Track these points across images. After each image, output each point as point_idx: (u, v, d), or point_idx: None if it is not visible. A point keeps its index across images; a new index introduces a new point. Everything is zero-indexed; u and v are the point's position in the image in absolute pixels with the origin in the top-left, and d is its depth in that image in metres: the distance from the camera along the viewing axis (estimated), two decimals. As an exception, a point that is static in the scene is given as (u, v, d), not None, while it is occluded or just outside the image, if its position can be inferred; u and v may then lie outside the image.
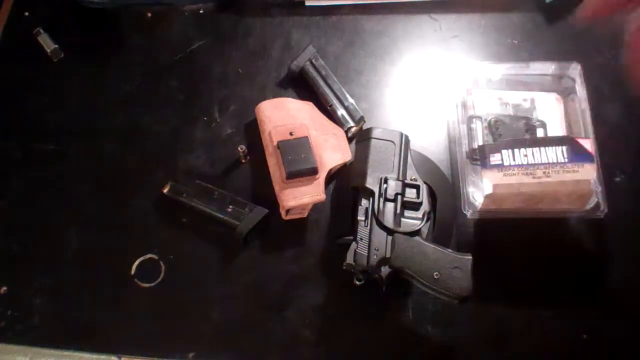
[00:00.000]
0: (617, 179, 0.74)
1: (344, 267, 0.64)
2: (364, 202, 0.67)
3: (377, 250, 0.64)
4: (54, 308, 0.69)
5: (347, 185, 0.71)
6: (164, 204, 0.74)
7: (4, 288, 0.70)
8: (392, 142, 0.70)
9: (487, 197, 0.68)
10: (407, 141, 0.71)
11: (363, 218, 0.66)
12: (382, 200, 0.66)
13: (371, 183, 0.67)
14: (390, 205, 0.66)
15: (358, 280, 0.65)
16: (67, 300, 0.69)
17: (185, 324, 0.68)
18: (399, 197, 0.66)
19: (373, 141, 0.70)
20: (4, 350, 0.67)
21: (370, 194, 0.67)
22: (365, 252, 0.64)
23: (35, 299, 0.69)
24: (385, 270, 0.64)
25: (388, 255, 0.64)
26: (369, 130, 0.71)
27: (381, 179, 0.67)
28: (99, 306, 0.69)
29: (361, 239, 0.65)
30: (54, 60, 0.83)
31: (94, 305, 0.69)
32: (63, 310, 0.69)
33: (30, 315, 0.69)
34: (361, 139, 0.72)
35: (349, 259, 0.64)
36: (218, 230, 0.72)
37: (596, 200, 0.69)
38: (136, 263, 0.71)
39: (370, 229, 0.65)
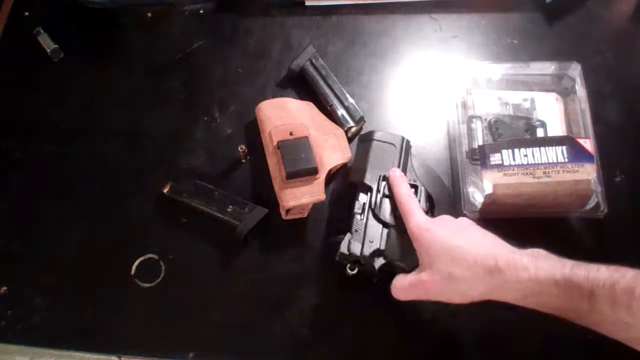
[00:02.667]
0: (617, 179, 0.74)
1: (337, 258, 0.64)
2: (362, 196, 0.67)
3: (372, 242, 0.64)
4: (54, 308, 0.69)
5: (346, 183, 0.71)
6: (164, 204, 0.74)
7: (4, 288, 0.70)
8: (393, 144, 0.70)
9: (487, 197, 0.68)
10: (409, 146, 0.72)
11: (360, 211, 0.66)
12: (379, 195, 0.66)
13: (370, 180, 0.68)
14: (387, 201, 0.66)
15: (350, 270, 0.65)
16: (67, 300, 0.69)
17: (185, 324, 0.68)
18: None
19: (374, 143, 0.70)
20: (4, 350, 0.67)
21: (368, 189, 0.67)
22: (359, 243, 0.64)
23: (35, 299, 0.69)
24: (378, 261, 0.64)
25: (382, 248, 0.64)
26: (371, 132, 0.72)
27: (380, 176, 0.68)
28: (99, 306, 0.69)
29: (356, 230, 0.65)
30: (54, 60, 0.83)
31: (94, 305, 0.69)
32: (63, 310, 0.69)
33: (30, 315, 0.68)
34: (363, 140, 0.72)
35: (343, 248, 0.64)
36: (218, 230, 0.72)
37: (596, 200, 0.69)
38: (136, 263, 0.71)
39: (366, 221, 0.65)
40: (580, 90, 0.75)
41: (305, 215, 0.72)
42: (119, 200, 0.75)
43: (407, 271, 0.62)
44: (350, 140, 0.77)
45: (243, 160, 0.77)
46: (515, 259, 0.53)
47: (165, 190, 0.73)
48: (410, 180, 0.68)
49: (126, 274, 0.70)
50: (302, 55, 0.80)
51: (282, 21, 0.86)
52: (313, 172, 0.70)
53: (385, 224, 0.65)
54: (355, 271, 0.65)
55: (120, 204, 0.74)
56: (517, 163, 0.67)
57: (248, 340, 0.67)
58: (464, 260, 0.55)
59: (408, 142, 0.72)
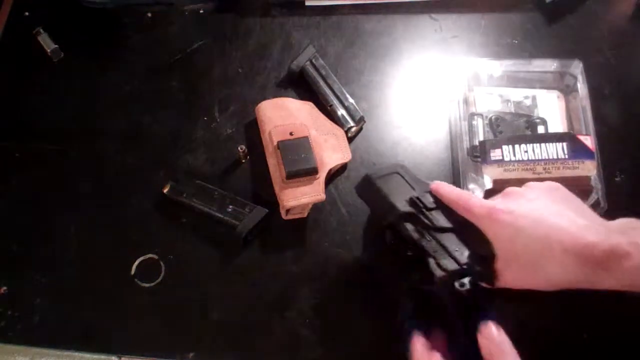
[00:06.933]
0: (617, 179, 0.74)
1: (440, 284, 0.54)
2: (408, 225, 0.59)
3: (458, 250, 0.56)
4: (54, 308, 0.69)
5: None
6: (164, 204, 0.74)
7: (4, 288, 0.70)
8: (395, 172, 0.63)
9: (487, 192, 0.68)
10: (405, 166, 0.65)
11: (419, 236, 0.58)
12: (425, 212, 0.59)
13: (403, 207, 0.59)
14: (436, 212, 0.59)
15: (461, 286, 0.53)
16: (67, 300, 0.69)
17: (185, 324, 0.68)
18: (439, 203, 0.60)
19: (378, 181, 0.62)
20: (4, 350, 0.67)
21: (410, 215, 0.59)
22: (448, 257, 0.55)
23: (35, 299, 0.69)
24: (477, 263, 0.55)
25: (472, 247, 0.56)
26: (366, 177, 0.64)
27: (411, 198, 0.60)
28: (99, 306, 0.69)
29: (435, 251, 0.56)
30: (54, 60, 0.83)
31: (94, 305, 0.69)
32: (63, 310, 0.69)
33: (30, 315, 0.68)
34: (364, 188, 0.65)
35: (438, 272, 0.54)
36: (218, 230, 0.72)
37: (596, 197, 0.69)
38: (136, 263, 0.71)
39: (436, 238, 0.57)
40: (582, 88, 0.75)
41: (305, 215, 0.72)
42: (119, 200, 0.75)
43: None
44: (350, 140, 0.77)
45: (243, 160, 0.77)
46: (613, 246, 0.46)
47: (165, 190, 0.73)
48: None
49: (126, 274, 0.70)
50: (302, 55, 0.80)
51: (282, 21, 0.86)
52: (313, 172, 0.70)
53: (453, 229, 0.58)
54: (467, 285, 0.53)
55: (120, 204, 0.74)
56: (517, 159, 0.67)
57: (248, 340, 0.67)
58: (550, 251, 0.49)
59: (402, 164, 0.65)
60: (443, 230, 0.58)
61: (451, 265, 0.55)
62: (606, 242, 0.47)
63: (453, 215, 0.58)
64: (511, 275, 0.53)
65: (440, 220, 0.59)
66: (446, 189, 0.59)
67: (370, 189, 0.63)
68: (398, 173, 0.63)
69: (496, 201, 0.55)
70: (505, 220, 0.52)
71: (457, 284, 0.53)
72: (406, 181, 0.63)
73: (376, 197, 0.62)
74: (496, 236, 0.53)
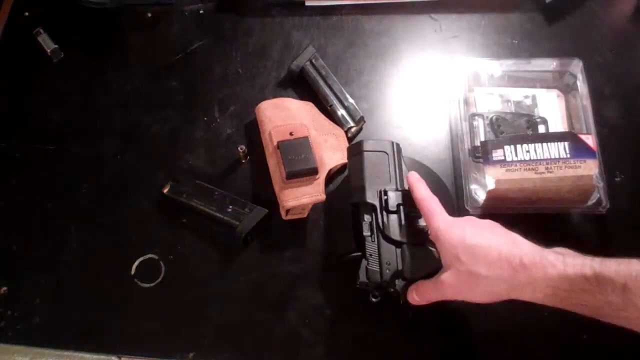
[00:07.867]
0: (617, 180, 0.74)
1: (358, 286, 0.63)
2: (367, 217, 0.65)
3: (389, 264, 0.62)
4: (54, 308, 0.69)
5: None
6: (164, 204, 0.74)
7: (4, 288, 0.70)
8: (385, 152, 0.68)
9: (490, 192, 0.68)
10: (399, 149, 0.69)
11: (369, 233, 0.64)
12: (384, 213, 0.64)
13: (371, 197, 0.65)
14: (393, 217, 0.64)
15: (374, 298, 0.63)
16: (67, 300, 0.69)
17: (185, 324, 0.68)
18: (401, 207, 0.65)
19: (365, 154, 0.67)
20: (4, 350, 0.67)
21: (371, 208, 0.65)
22: (377, 268, 0.62)
23: (35, 299, 0.69)
24: (399, 283, 0.62)
25: (400, 268, 0.62)
26: (360, 143, 0.69)
27: (380, 191, 0.65)
28: (99, 306, 0.69)
29: (370, 255, 0.63)
30: (54, 60, 0.83)
31: (94, 305, 0.69)
32: (63, 310, 0.69)
33: (30, 315, 0.68)
34: (353, 153, 0.69)
35: (362, 277, 0.62)
36: (218, 230, 0.72)
37: (598, 195, 0.69)
38: (136, 263, 0.71)
39: (378, 244, 0.64)
40: (582, 87, 0.75)
41: (305, 215, 0.72)
42: (119, 200, 0.75)
43: None
44: (350, 140, 0.77)
45: (243, 160, 0.77)
46: (541, 256, 0.52)
47: (165, 190, 0.73)
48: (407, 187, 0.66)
49: (126, 274, 0.70)
50: (302, 55, 0.80)
51: (282, 21, 0.86)
52: (313, 172, 0.70)
53: (396, 243, 0.63)
54: (379, 298, 0.63)
55: (120, 204, 0.74)
56: (519, 159, 0.67)
57: (248, 340, 0.67)
58: (487, 258, 0.54)
59: (398, 145, 0.69)
60: (389, 240, 0.64)
61: (374, 277, 0.62)
62: (535, 252, 0.53)
63: (407, 222, 0.64)
64: (452, 284, 0.57)
65: (392, 227, 0.64)
66: (417, 192, 0.63)
67: (356, 157, 0.68)
68: (386, 153, 0.68)
69: (453, 218, 0.60)
70: (456, 233, 0.57)
71: (371, 294, 0.63)
72: (389, 166, 0.67)
73: (357, 169, 0.68)
74: (444, 245, 0.57)
